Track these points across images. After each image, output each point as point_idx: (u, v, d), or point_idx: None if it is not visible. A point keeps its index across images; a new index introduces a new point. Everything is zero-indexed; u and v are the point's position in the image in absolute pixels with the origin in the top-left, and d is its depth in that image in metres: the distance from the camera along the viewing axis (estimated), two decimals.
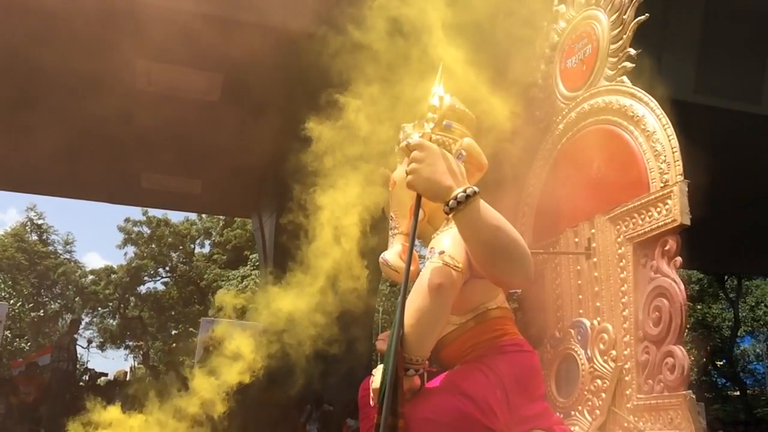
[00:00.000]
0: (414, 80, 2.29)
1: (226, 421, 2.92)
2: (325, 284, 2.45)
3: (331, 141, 2.43)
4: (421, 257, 2.05)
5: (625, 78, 2.83)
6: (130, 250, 29.06)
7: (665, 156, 2.51)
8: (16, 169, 12.13)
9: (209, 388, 2.75)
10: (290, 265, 2.63)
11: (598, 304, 2.73)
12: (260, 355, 2.71)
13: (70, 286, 29.02)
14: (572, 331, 2.82)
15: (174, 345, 24.51)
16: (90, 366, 18.66)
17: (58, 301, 29.02)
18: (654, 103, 2.64)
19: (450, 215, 1.74)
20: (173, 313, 28.93)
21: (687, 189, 2.41)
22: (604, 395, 2.57)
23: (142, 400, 2.94)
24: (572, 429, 2.54)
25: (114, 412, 2.90)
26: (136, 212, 28.63)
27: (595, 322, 2.72)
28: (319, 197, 2.41)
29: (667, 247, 2.44)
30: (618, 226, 2.67)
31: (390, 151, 2.33)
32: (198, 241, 30.18)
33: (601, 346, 2.65)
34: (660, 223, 2.46)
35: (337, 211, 2.37)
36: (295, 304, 2.49)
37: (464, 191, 1.71)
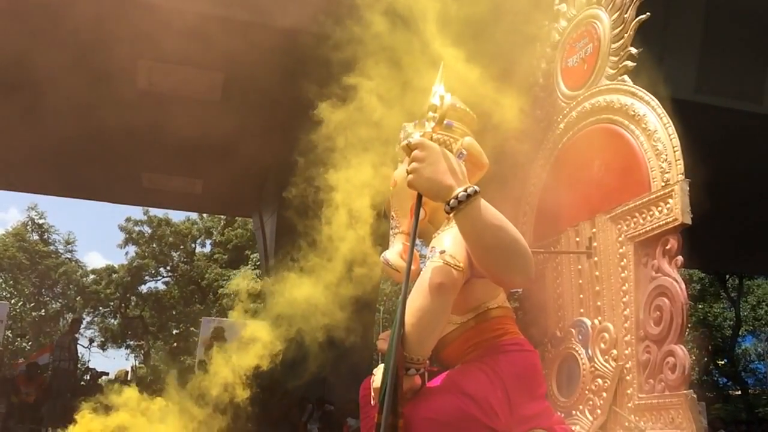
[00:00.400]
0: (416, 75, 2.29)
1: (232, 418, 2.91)
2: (339, 269, 2.44)
3: (338, 126, 2.42)
4: (422, 257, 2.04)
5: (626, 77, 2.82)
6: (131, 249, 29.12)
7: (666, 155, 2.50)
8: (17, 169, 12.14)
9: (228, 371, 2.74)
10: (292, 263, 2.63)
11: (599, 303, 2.73)
12: (274, 344, 2.70)
13: (71, 286, 29.04)
14: (573, 330, 2.82)
15: (175, 344, 24.53)
16: (91, 365, 18.70)
17: (59, 300, 29.04)
18: (655, 102, 2.63)
19: (451, 215, 1.74)
20: (174, 312, 28.94)
21: (688, 188, 2.41)
22: (605, 394, 2.56)
23: (160, 386, 2.94)
24: (573, 428, 2.54)
25: (131, 393, 2.90)
26: (137, 212, 28.69)
27: (596, 321, 2.72)
28: (330, 176, 2.40)
29: (668, 247, 2.43)
30: (619, 226, 2.67)
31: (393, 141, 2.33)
32: (199, 241, 30.20)
33: (602, 345, 2.64)
34: (661, 223, 2.46)
35: (349, 192, 2.36)
36: (308, 292, 2.48)
37: (465, 190, 1.70)
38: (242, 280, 3.02)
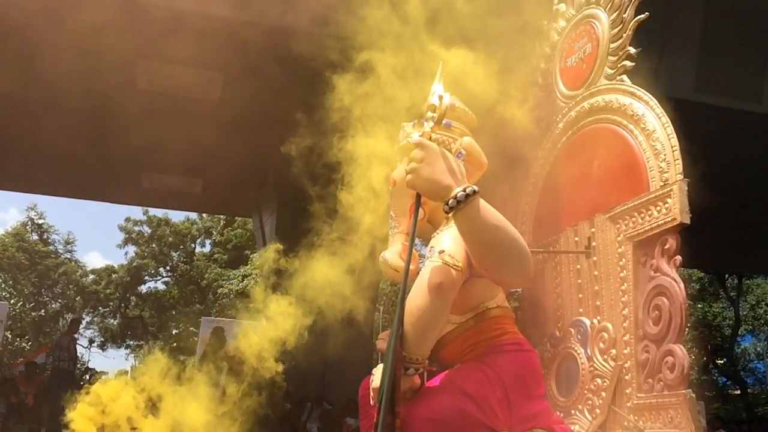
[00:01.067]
0: (416, 71, 2.29)
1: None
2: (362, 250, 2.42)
3: (351, 103, 2.41)
4: (421, 256, 2.05)
5: (624, 77, 2.82)
6: (131, 249, 29.14)
7: (665, 155, 2.50)
8: (17, 169, 12.13)
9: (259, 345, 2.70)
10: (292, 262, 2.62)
11: (598, 303, 2.73)
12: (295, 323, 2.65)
13: (70, 286, 29.03)
14: (572, 330, 2.82)
15: (175, 344, 24.51)
16: (91, 365, 18.72)
17: (59, 300, 29.03)
18: (654, 101, 2.64)
19: (450, 214, 1.74)
20: (174, 312, 28.96)
21: (687, 188, 2.41)
22: (604, 394, 2.57)
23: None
24: (572, 428, 2.54)
25: (162, 359, 2.89)
26: (136, 212, 28.70)
27: (595, 321, 2.72)
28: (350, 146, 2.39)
29: (666, 246, 2.43)
30: (618, 225, 2.67)
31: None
32: (199, 241, 30.21)
33: (601, 345, 2.64)
34: (660, 222, 2.46)
35: (366, 163, 2.36)
36: (330, 272, 2.46)
37: (464, 190, 1.71)
38: (270, 254, 2.95)
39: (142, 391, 2.80)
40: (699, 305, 25.24)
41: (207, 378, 2.91)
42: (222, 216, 27.05)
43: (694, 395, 2.26)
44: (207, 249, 30.17)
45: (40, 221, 28.69)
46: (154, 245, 28.99)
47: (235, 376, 2.90)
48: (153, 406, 2.82)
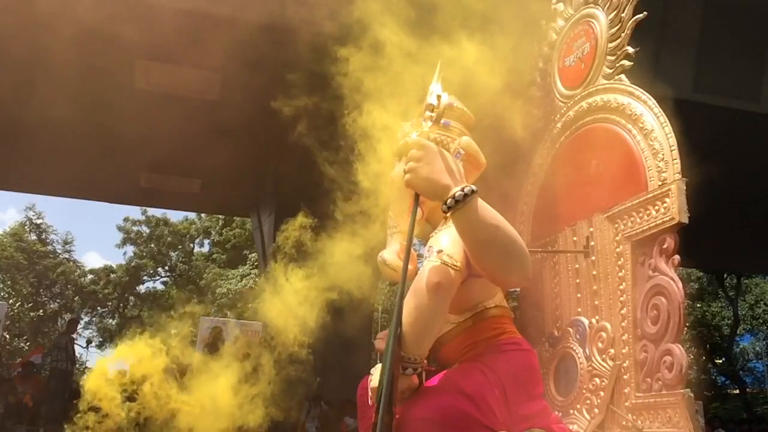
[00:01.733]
0: (416, 78, 2.29)
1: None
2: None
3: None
4: (420, 256, 2.04)
5: (623, 76, 2.82)
6: (130, 249, 29.17)
7: (663, 154, 2.50)
8: (16, 169, 12.12)
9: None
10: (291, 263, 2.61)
11: (596, 302, 2.73)
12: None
13: (69, 286, 29.02)
14: (571, 329, 2.82)
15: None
16: (90, 365, 18.70)
17: (58, 300, 29.01)
18: (652, 101, 2.63)
19: (448, 214, 1.74)
20: (172, 312, 28.94)
21: (685, 187, 2.41)
22: (602, 393, 2.57)
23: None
24: (571, 427, 2.54)
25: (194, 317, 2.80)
26: (135, 212, 28.72)
27: (594, 320, 2.72)
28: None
29: (665, 246, 2.43)
30: (616, 225, 2.67)
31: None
32: (197, 241, 30.24)
33: (600, 344, 2.64)
34: (658, 222, 2.46)
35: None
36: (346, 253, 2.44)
37: (462, 190, 1.71)
38: (293, 230, 2.90)
39: (168, 357, 2.74)
40: (698, 305, 25.29)
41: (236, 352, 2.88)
42: (220, 216, 27.05)
43: (692, 395, 2.26)
44: (205, 249, 30.21)
45: (39, 221, 28.71)
46: (152, 245, 29.01)
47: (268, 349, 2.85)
48: (180, 375, 2.77)
